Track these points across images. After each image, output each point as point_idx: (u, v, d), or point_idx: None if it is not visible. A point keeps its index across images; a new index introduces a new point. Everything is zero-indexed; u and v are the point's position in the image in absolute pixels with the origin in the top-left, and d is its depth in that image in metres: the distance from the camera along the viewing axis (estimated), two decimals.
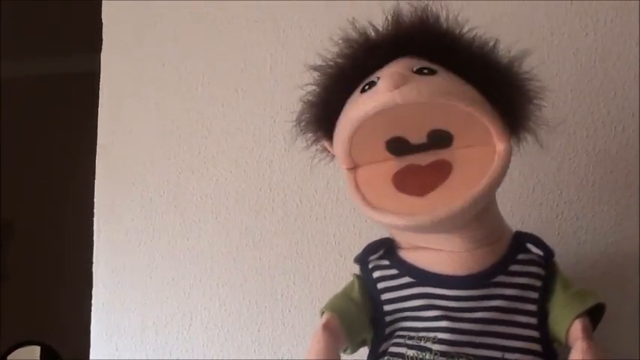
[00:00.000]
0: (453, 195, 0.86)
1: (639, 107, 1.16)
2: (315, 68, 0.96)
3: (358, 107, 0.87)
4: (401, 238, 0.96)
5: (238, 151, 1.32)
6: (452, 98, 0.85)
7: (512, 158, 0.88)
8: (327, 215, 1.26)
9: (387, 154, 0.92)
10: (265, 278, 1.27)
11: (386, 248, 0.96)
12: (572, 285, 0.93)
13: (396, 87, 0.84)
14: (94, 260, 1.36)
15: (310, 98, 0.96)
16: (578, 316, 0.90)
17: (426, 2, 0.92)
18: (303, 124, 0.97)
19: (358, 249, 0.98)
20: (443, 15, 0.91)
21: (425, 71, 0.87)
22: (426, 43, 0.90)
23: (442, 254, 0.92)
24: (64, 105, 3.12)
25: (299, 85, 0.93)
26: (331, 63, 0.95)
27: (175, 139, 1.35)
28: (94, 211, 1.38)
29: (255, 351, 1.26)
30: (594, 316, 0.92)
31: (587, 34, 1.19)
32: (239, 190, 1.31)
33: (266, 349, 1.25)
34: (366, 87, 0.88)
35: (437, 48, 0.90)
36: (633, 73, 1.17)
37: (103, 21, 1.43)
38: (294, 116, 0.96)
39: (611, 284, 1.11)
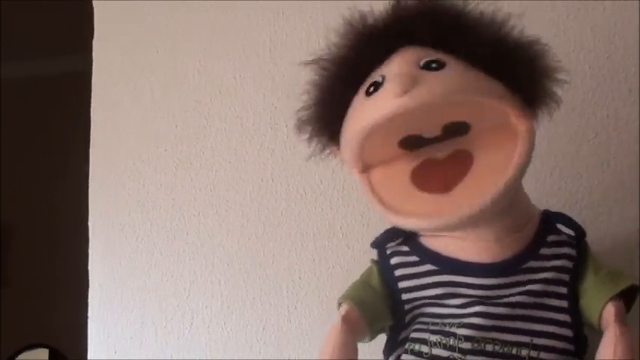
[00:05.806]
0: (480, 187, 0.81)
1: None
2: (312, 64, 0.90)
3: (366, 115, 0.82)
4: None
5: (238, 140, 1.28)
6: (466, 94, 0.81)
7: None
8: (333, 206, 1.22)
9: (401, 151, 0.87)
10: (269, 273, 1.23)
11: (407, 234, 0.92)
12: (603, 266, 0.90)
13: (406, 91, 0.78)
14: (90, 258, 1.32)
15: (310, 101, 0.90)
16: (611, 299, 0.86)
17: None
18: (305, 129, 0.91)
19: (367, 240, 0.95)
20: None
21: (433, 65, 0.82)
22: (429, 29, 0.84)
23: (467, 242, 0.87)
24: (56, 105, 3.10)
25: (301, 69, 0.89)
26: (329, 58, 0.90)
27: (172, 129, 1.31)
28: (89, 206, 1.34)
29: (260, 351, 1.22)
30: (627, 297, 0.88)
31: (604, 8, 1.14)
32: (240, 181, 1.27)
33: (271, 348, 1.21)
34: (371, 89, 0.83)
35: (441, 33, 0.84)
36: None
37: (94, 7, 1.39)
38: (296, 103, 0.91)
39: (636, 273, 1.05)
